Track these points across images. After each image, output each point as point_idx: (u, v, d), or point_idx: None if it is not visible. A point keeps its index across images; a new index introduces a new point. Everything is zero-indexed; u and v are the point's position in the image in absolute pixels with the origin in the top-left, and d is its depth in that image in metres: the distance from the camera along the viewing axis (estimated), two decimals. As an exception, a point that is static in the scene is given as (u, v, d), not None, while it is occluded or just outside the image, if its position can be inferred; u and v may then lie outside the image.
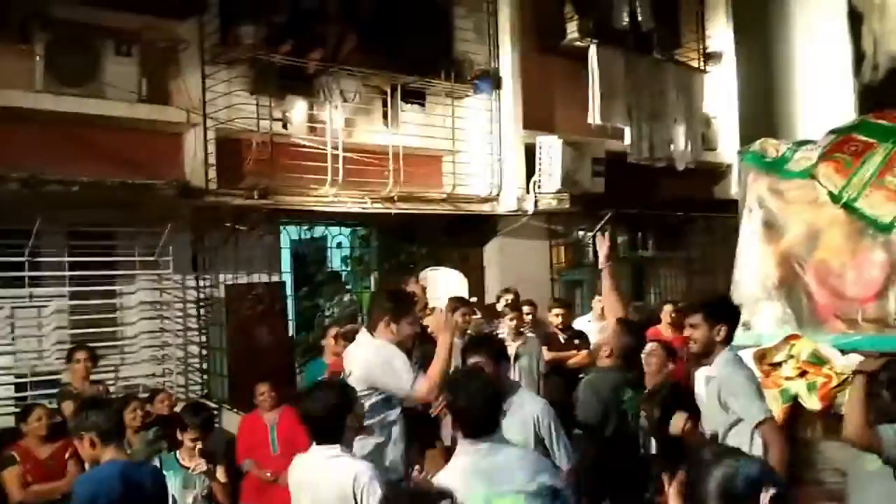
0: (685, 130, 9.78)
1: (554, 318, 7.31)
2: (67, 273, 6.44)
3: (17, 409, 5.81)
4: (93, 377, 5.83)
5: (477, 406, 2.95)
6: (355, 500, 3.08)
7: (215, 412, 5.50)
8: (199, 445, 4.82)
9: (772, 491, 1.82)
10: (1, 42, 6.11)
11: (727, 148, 10.65)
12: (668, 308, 7.57)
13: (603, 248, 4.97)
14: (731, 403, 3.71)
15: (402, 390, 3.85)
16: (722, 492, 1.84)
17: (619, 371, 4.66)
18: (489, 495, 2.81)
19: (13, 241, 6.16)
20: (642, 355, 4.88)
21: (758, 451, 3.65)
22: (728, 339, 3.89)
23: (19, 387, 6.23)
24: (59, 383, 5.97)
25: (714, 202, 10.48)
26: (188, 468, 4.85)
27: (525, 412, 3.74)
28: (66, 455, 5.14)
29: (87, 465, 3.73)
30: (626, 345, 4.51)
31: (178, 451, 4.93)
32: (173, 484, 4.62)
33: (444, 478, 2.87)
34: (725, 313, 3.96)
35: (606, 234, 5.24)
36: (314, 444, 3.30)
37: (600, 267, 5.07)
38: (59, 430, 5.20)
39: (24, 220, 6.08)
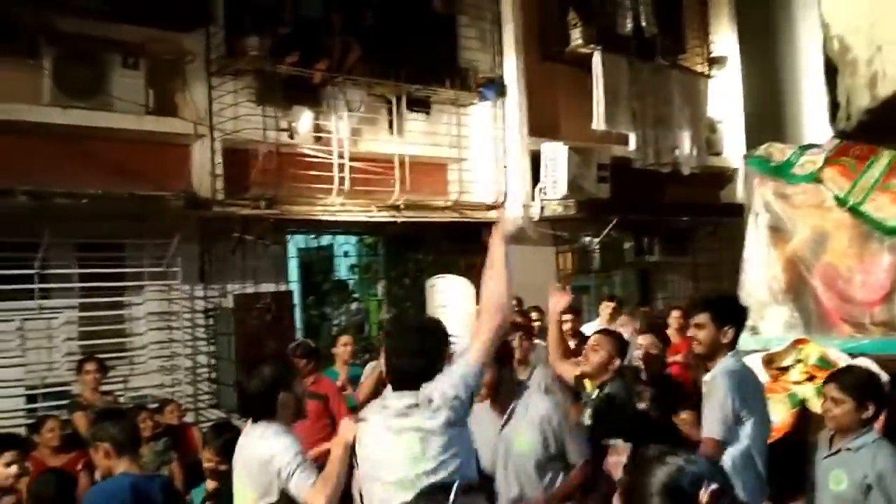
0: (690, 135, 9.79)
1: (563, 324, 7.31)
2: (77, 285, 6.49)
3: (29, 421, 5.84)
4: (102, 388, 5.85)
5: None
6: (279, 478, 3.05)
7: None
8: (210, 467, 4.22)
9: (712, 486, 1.74)
10: (9, 57, 6.18)
11: (733, 152, 10.65)
12: (675, 314, 7.55)
13: (561, 301, 4.61)
14: (704, 410, 3.56)
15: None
16: (665, 491, 1.73)
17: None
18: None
19: (22, 253, 6.20)
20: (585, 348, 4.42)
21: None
22: (734, 343, 3.67)
23: (30, 398, 6.27)
24: (70, 394, 6.01)
25: (720, 207, 10.49)
26: None
27: (532, 414, 3.68)
28: (79, 466, 5.15)
29: (99, 475, 3.74)
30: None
31: (207, 481, 4.36)
32: None
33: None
34: (734, 315, 3.71)
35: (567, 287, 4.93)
36: (250, 421, 3.26)
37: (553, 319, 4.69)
38: (71, 442, 5.23)
39: (34, 232, 6.12)
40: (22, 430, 5.84)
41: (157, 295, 6.92)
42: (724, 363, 3.60)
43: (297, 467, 3.03)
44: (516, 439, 3.69)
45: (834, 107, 2.37)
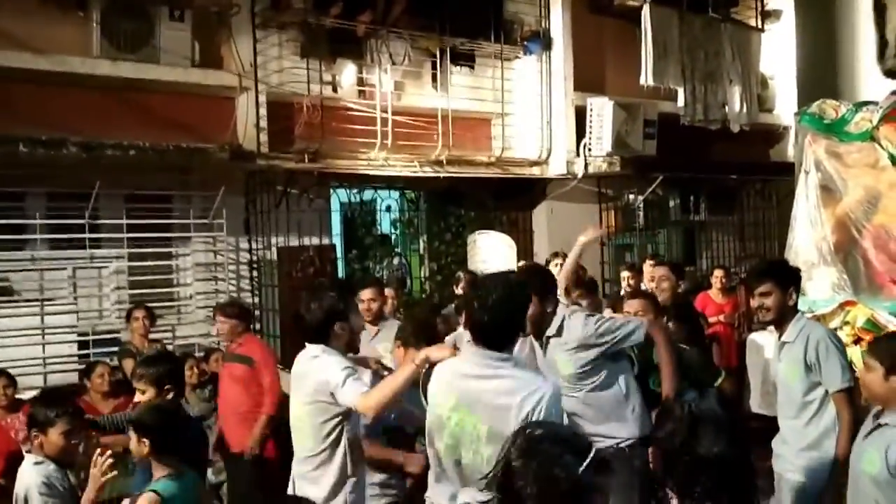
0: (741, 91, 9.54)
1: (623, 281, 7.32)
2: (126, 235, 6.63)
3: (81, 366, 6.04)
4: (151, 336, 6.02)
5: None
6: (331, 395, 3.24)
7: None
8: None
9: None
10: (59, 10, 6.25)
11: (785, 109, 10.35)
12: (718, 273, 7.48)
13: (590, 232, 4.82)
14: (822, 365, 3.60)
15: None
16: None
17: None
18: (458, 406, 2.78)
19: (74, 203, 6.35)
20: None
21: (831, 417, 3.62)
22: (797, 304, 3.81)
23: (82, 344, 6.46)
24: (120, 341, 6.20)
25: (770, 165, 10.25)
26: None
27: (568, 337, 3.66)
28: (128, 410, 5.33)
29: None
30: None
31: None
32: None
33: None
34: (794, 277, 3.86)
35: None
36: (307, 342, 3.48)
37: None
38: (120, 387, 5.41)
39: (84, 183, 6.26)
40: (74, 376, 6.07)
41: (203, 246, 7.06)
42: (800, 321, 3.76)
43: (345, 378, 3.19)
44: (559, 364, 3.69)
45: (882, 45, 2.32)
